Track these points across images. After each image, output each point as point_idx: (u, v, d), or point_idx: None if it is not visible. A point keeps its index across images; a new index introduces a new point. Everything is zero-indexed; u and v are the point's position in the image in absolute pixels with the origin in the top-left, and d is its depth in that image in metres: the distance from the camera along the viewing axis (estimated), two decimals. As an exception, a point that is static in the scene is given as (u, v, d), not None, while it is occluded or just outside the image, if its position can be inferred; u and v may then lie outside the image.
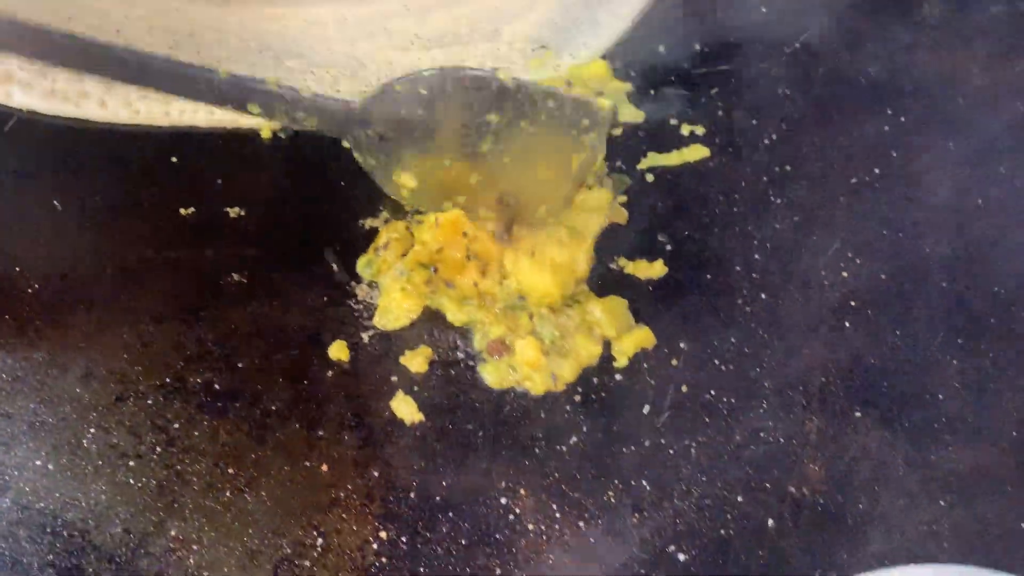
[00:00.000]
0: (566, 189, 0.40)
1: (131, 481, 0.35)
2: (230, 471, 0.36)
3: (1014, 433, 0.39)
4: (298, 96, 0.39)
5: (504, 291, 0.41)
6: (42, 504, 0.35)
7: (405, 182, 0.40)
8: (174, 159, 0.43)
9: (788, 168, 0.46)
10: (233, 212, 0.42)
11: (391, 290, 0.40)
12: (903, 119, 0.48)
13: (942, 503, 0.37)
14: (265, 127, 0.44)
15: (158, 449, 0.36)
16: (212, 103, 0.40)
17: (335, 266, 0.41)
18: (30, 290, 0.39)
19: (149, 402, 0.37)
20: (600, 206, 0.42)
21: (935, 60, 0.51)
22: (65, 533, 0.34)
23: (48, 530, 0.34)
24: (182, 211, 0.42)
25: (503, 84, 0.38)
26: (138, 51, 0.38)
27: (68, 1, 0.47)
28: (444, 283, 0.41)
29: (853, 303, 0.42)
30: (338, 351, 0.39)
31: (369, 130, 0.39)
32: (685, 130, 0.46)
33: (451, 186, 0.40)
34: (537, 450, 0.37)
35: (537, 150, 0.39)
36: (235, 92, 0.39)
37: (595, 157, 0.40)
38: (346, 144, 0.40)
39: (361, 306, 0.40)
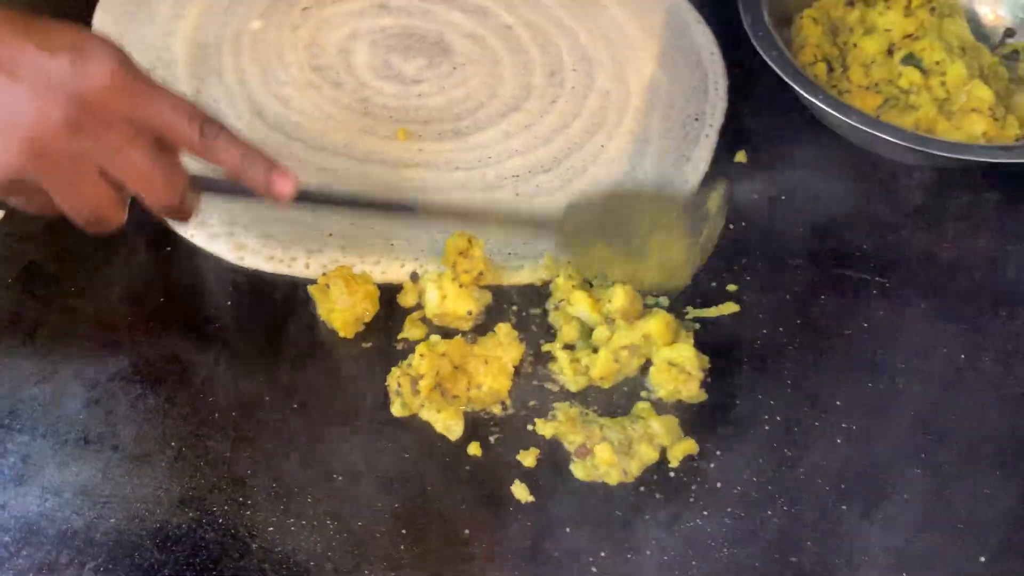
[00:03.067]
0: (694, 263, 0.60)
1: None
2: (402, 548, 0.52)
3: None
4: (517, 210, 0.62)
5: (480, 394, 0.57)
6: (279, 549, 0.51)
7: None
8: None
9: (799, 320, 0.62)
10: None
11: (432, 417, 0.56)
12: (888, 284, 0.64)
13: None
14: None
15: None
16: (449, 226, 0.60)
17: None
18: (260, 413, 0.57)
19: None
20: (690, 358, 0.58)
21: (915, 237, 0.67)
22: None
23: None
24: (366, 345, 0.60)
25: (640, 194, 0.61)
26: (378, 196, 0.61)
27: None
28: (450, 395, 0.56)
29: (844, 424, 0.57)
30: (474, 449, 0.55)
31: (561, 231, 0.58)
32: (720, 290, 0.63)
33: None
34: (614, 525, 0.53)
35: (671, 239, 0.58)
36: (468, 215, 0.60)
37: (715, 234, 0.60)
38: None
39: (488, 416, 0.57)
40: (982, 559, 0.53)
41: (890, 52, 0.72)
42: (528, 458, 0.55)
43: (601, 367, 0.58)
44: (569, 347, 0.60)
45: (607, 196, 0.60)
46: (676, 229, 0.58)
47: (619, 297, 0.59)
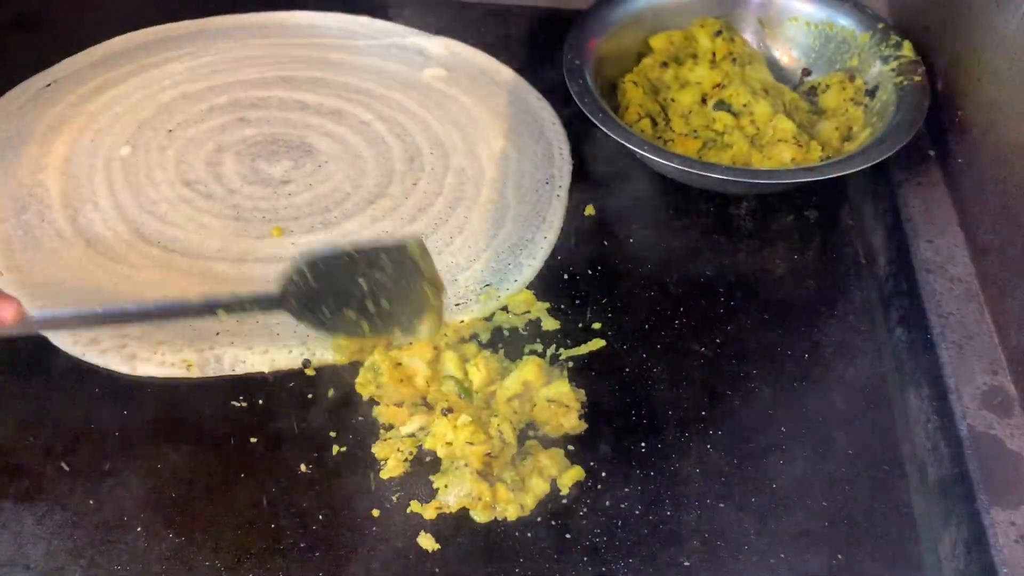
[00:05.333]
0: (434, 310, 0.60)
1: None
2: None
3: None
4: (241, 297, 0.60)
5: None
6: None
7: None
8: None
9: (659, 346, 0.69)
10: (304, 469, 0.63)
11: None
12: (732, 303, 0.72)
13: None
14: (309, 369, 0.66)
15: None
16: (191, 318, 0.64)
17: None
18: (167, 507, 0.59)
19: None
20: (567, 393, 0.64)
21: (749, 258, 0.75)
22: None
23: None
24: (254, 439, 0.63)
25: (349, 254, 0.58)
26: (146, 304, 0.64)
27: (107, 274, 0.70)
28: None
29: (710, 432, 0.64)
30: (376, 512, 0.59)
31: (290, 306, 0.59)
32: (587, 329, 0.69)
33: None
34: (516, 554, 0.57)
35: (398, 296, 0.59)
36: (205, 307, 0.59)
37: (437, 283, 0.60)
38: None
39: (388, 478, 0.61)
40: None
41: (704, 101, 0.82)
42: (429, 510, 0.59)
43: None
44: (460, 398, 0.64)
45: (314, 264, 0.58)
46: (399, 281, 0.59)
47: (476, 375, 0.64)
